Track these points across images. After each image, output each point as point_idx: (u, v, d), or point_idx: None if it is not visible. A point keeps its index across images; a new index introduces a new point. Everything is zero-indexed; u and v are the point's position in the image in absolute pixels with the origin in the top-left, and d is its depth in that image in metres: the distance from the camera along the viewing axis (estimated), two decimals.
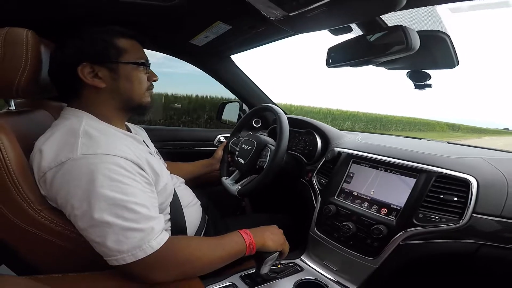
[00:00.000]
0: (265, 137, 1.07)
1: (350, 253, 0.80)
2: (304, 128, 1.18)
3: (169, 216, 0.76)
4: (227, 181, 1.08)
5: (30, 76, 0.66)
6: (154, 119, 7.40)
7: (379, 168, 0.84)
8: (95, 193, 0.54)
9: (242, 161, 1.05)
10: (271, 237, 0.75)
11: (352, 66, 0.77)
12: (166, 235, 0.60)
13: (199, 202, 0.95)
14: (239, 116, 1.55)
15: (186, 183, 0.98)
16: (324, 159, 1.01)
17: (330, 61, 0.81)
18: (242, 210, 1.34)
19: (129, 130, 0.80)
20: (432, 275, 0.81)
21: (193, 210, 0.88)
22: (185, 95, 8.62)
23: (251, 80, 1.49)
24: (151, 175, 0.65)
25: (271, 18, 0.72)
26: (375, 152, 0.89)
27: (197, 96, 8.54)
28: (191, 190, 0.96)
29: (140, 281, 0.58)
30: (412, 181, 0.77)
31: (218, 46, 1.17)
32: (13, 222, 0.58)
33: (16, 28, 0.65)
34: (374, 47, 0.70)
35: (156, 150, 0.96)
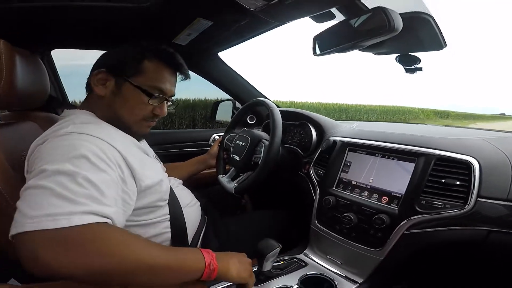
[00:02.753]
0: (259, 132, 1.05)
1: (354, 245, 0.77)
2: (298, 120, 1.15)
3: (168, 216, 0.74)
4: (223, 179, 1.06)
5: (8, 87, 0.65)
6: None
7: (376, 155, 0.82)
8: (60, 164, 0.50)
9: (237, 158, 1.03)
10: (237, 265, 0.62)
11: (338, 52, 0.75)
12: (98, 219, 0.47)
13: (198, 203, 0.94)
14: (233, 115, 1.52)
15: (184, 184, 0.96)
16: (320, 149, 0.98)
17: (317, 49, 0.79)
18: (242, 209, 1.32)
19: None
20: (440, 265, 0.79)
21: (192, 211, 0.86)
22: (178, 99, 8.39)
23: (241, 77, 1.47)
24: (136, 172, 0.62)
25: (251, 9, 0.70)
26: (370, 138, 0.86)
27: (186, 99, 8.35)
28: (189, 191, 0.94)
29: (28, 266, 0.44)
30: (411, 166, 0.74)
31: (203, 43, 1.14)
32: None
33: None
34: (357, 31, 0.68)
35: (155, 155, 0.94)
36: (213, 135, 1.47)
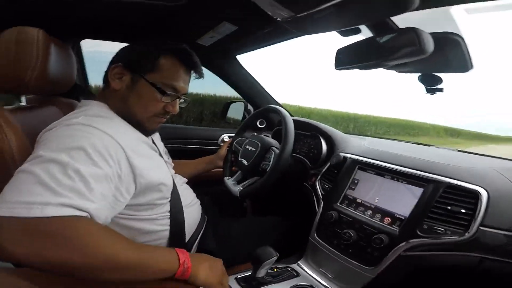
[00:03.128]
0: (269, 139, 1.05)
1: (349, 261, 0.77)
2: (309, 131, 1.16)
3: (168, 214, 0.75)
4: (229, 181, 1.07)
5: (40, 73, 0.69)
6: None
7: (385, 176, 0.82)
8: (57, 152, 0.50)
9: (245, 162, 1.03)
10: (207, 270, 0.62)
11: (361, 68, 0.75)
12: (74, 212, 0.47)
13: (199, 202, 0.94)
14: (244, 116, 1.53)
15: (188, 181, 0.97)
16: (329, 163, 0.98)
17: (338, 63, 0.79)
18: (243, 212, 1.33)
19: None
20: (431, 287, 0.78)
21: (192, 210, 0.87)
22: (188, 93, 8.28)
23: (256, 81, 1.48)
24: (137, 170, 0.62)
25: (278, 19, 0.70)
26: (381, 159, 0.86)
27: (197, 94, 8.29)
28: (191, 190, 0.95)
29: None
30: (419, 191, 0.74)
31: (224, 46, 1.16)
32: None
33: (27, 27, 0.68)
34: (384, 49, 0.66)
35: (165, 150, 0.95)
36: (223, 135, 1.49)
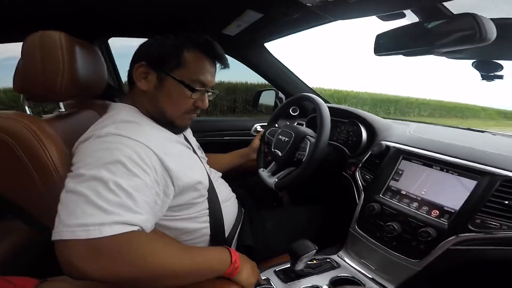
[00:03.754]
0: (303, 128, 1.02)
1: (392, 254, 0.75)
2: (347, 118, 1.10)
3: (207, 211, 0.75)
4: (263, 173, 1.06)
5: (69, 77, 0.68)
6: None
7: (433, 167, 0.76)
8: (96, 169, 0.52)
9: (279, 153, 1.02)
10: (249, 271, 0.67)
11: (406, 55, 0.68)
12: (127, 228, 0.49)
13: (235, 196, 0.95)
14: (275, 104, 1.51)
15: (223, 174, 0.98)
16: (369, 152, 0.93)
17: (379, 48, 0.72)
18: (279, 202, 1.33)
19: None
20: (479, 282, 0.74)
21: (229, 205, 0.87)
22: (218, 82, 8.26)
23: (286, 68, 1.43)
24: (173, 172, 0.62)
25: (308, 4, 0.66)
26: (429, 148, 0.80)
27: (229, 82, 8.32)
28: (227, 184, 0.96)
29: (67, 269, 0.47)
30: (471, 184, 0.68)
31: (251, 34, 1.13)
32: None
33: (48, 31, 0.66)
34: (435, 35, 0.59)
35: (198, 145, 0.96)
36: (255, 125, 1.48)
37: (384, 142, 0.90)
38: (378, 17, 0.69)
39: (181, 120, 0.73)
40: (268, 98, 1.57)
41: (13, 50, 0.84)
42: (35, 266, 0.75)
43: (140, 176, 0.55)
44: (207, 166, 0.89)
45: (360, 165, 0.95)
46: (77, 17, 0.88)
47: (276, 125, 1.19)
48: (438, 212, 0.70)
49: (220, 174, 0.96)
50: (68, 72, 0.67)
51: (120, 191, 0.51)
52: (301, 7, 0.68)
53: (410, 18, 0.67)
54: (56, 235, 0.47)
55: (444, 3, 0.59)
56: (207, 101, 0.75)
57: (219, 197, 0.80)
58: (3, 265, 0.72)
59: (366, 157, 0.94)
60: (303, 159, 0.92)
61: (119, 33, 1.19)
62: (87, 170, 0.52)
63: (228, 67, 0.77)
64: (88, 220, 0.47)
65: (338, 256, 0.87)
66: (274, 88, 1.52)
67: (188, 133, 0.91)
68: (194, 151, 0.83)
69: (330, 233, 1.00)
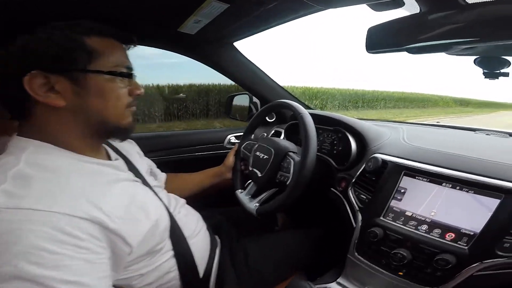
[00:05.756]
0: (284, 142, 0.88)
1: (403, 281, 0.64)
2: (331, 125, 0.97)
3: (171, 253, 0.63)
4: (242, 195, 0.92)
5: None
6: (157, 114, 7.27)
7: (443, 184, 0.64)
8: (7, 262, 0.36)
9: (259, 173, 0.87)
10: None
11: (409, 51, 0.56)
12: None
13: (205, 226, 0.80)
14: (250, 109, 1.36)
15: (192, 197, 0.86)
16: (362, 167, 0.80)
17: (372, 45, 0.60)
18: (275, 223, 1.15)
19: (108, 153, 0.64)
20: None
21: (199, 239, 0.73)
22: (188, 84, 8.12)
23: (259, 69, 1.28)
24: (120, 231, 0.47)
25: None
26: (436, 162, 0.68)
27: (199, 84, 8.16)
28: (195, 212, 0.81)
29: None
30: (493, 203, 0.57)
31: (216, 32, 0.96)
32: None
33: None
34: (441, 30, 0.48)
35: (151, 167, 0.80)
36: (228, 136, 1.30)
37: (379, 156, 0.77)
38: (370, 6, 0.56)
39: (126, 118, 0.58)
40: (241, 102, 1.42)
41: None
42: None
43: (74, 255, 0.40)
44: (165, 196, 0.73)
45: (353, 181, 0.82)
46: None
47: (253, 136, 1.03)
48: (453, 235, 0.60)
49: (184, 201, 0.80)
50: None
51: (58, 284, 0.38)
52: None
53: (409, 7, 0.54)
54: None
55: None
56: (138, 84, 0.60)
57: (184, 233, 0.67)
58: None
59: (359, 172, 0.81)
60: (288, 182, 0.78)
61: None
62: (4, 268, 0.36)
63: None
64: None
65: (337, 283, 0.76)
66: (247, 92, 1.36)
67: (134, 153, 0.75)
68: (145, 181, 0.66)
69: (326, 258, 0.89)
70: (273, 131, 1.28)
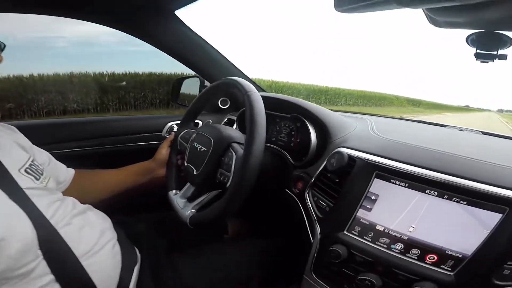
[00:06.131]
0: (228, 130, 0.69)
1: None
2: (288, 112, 0.79)
3: (52, 277, 0.48)
4: (176, 197, 0.72)
5: None
6: (111, 103, 6.82)
7: (427, 191, 0.49)
8: None
9: (194, 171, 0.67)
10: None
11: (396, 4, 0.39)
12: None
13: (115, 237, 0.62)
14: None
15: (113, 199, 0.74)
16: (323, 164, 0.64)
17: (340, 1, 0.43)
18: (216, 234, 0.96)
19: None
20: None
21: (102, 257, 0.57)
22: (132, 73, 7.70)
23: (211, 46, 1.07)
24: None
25: None
26: (417, 162, 0.52)
27: (163, 73, 7.83)
28: (101, 220, 0.63)
29: None
30: (493, 218, 0.44)
31: None
32: None
33: None
34: None
35: (27, 167, 0.57)
36: (169, 124, 1.07)
37: (344, 150, 0.60)
38: None
39: None
40: (191, 88, 1.22)
41: None
42: None
43: None
44: (48, 201, 0.54)
45: (311, 181, 0.65)
46: None
47: (200, 122, 0.83)
48: (436, 258, 0.47)
49: (86, 207, 0.62)
50: None
51: None
52: None
53: None
54: None
55: None
56: None
57: (74, 251, 0.52)
58: None
59: (319, 171, 0.65)
60: (228, 184, 0.59)
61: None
62: None
63: None
64: None
65: None
66: (198, 75, 1.16)
67: (5, 144, 0.56)
68: (9, 181, 0.50)
69: (279, 276, 0.76)
70: (225, 120, 1.09)
